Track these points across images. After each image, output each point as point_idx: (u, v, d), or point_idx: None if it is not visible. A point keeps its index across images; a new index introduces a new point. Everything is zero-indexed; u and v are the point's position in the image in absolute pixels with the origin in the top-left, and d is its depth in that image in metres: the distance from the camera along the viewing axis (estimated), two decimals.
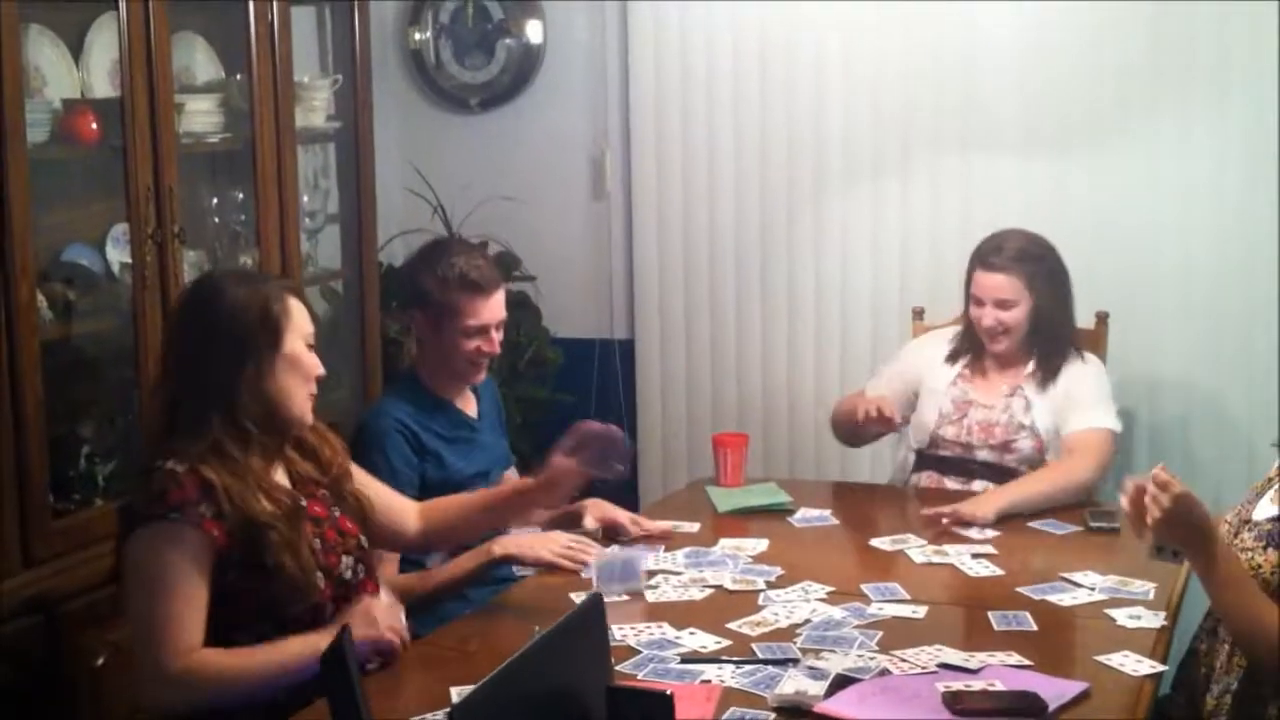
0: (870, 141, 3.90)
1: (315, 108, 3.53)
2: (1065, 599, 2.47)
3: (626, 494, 3.94)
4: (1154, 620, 2.35)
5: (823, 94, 3.91)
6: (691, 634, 2.28)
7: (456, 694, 2.05)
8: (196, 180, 3.23)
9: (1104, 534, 2.81)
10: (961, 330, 3.30)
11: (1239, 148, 3.57)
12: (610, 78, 4.17)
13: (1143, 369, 3.67)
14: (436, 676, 2.15)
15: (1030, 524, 2.90)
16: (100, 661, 2.63)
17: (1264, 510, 2.26)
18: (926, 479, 3.24)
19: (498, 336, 2.87)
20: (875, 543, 2.80)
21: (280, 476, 2.28)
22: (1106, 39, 3.64)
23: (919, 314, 3.62)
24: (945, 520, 2.86)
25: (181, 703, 2.10)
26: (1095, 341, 3.47)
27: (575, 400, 4.13)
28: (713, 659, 2.17)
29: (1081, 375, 3.18)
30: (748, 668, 2.13)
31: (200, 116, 3.17)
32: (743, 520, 2.97)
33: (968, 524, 2.86)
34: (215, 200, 3.28)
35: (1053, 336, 3.18)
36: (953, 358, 3.28)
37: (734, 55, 3.98)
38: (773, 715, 1.96)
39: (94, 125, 2.86)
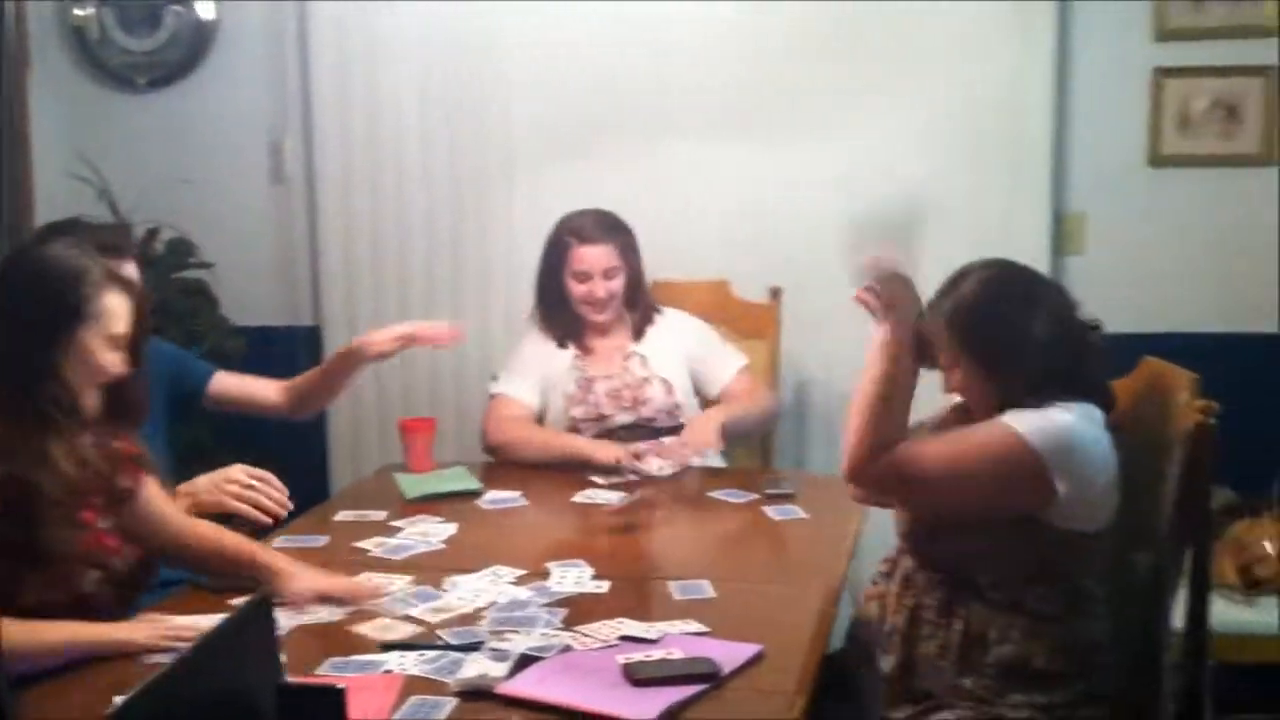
0: (557, 127, 3.93)
1: None
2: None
3: (316, 481, 3.86)
4: None
5: (510, 79, 3.92)
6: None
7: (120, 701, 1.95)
8: None
9: (779, 500, 2.94)
10: (554, 317, 3.39)
11: (910, 132, 3.74)
12: (288, 58, 4.05)
13: (815, 345, 3.79)
14: (103, 684, 2.03)
15: (710, 493, 3.00)
16: None
17: None
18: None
19: None
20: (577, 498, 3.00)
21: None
22: (785, 30, 3.78)
23: None
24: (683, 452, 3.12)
25: None
26: (768, 317, 3.60)
27: None
28: (396, 647, 2.15)
29: (686, 326, 3.45)
30: (431, 654, 2.11)
31: None
32: (431, 505, 2.94)
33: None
34: None
35: (641, 298, 3.42)
36: (562, 344, 3.38)
37: (419, 38, 3.93)
38: (455, 700, 1.95)
39: None
